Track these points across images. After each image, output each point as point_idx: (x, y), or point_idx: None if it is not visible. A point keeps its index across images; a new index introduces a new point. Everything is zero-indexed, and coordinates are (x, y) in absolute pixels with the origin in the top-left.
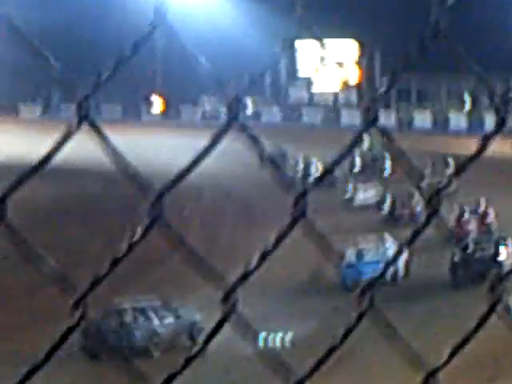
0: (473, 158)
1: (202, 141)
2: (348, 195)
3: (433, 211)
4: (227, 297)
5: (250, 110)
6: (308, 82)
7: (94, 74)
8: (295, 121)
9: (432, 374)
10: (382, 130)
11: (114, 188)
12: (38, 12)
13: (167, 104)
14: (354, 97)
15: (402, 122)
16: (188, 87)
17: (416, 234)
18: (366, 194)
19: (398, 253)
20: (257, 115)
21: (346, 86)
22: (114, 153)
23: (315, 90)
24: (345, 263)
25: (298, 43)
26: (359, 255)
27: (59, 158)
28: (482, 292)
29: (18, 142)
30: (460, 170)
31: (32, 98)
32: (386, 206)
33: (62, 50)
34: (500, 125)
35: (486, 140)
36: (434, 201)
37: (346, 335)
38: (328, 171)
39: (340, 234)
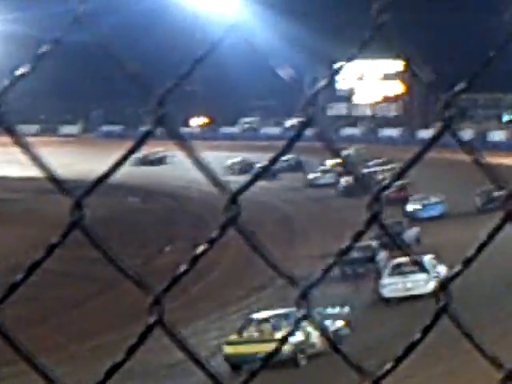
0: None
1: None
2: None
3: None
4: (304, 296)
5: (289, 126)
6: (348, 97)
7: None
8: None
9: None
10: (456, 136)
11: (151, 201)
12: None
13: (209, 122)
14: (394, 111)
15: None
16: (228, 107)
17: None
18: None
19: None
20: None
21: (388, 100)
22: (201, 163)
23: (355, 104)
24: None
25: (339, 64)
26: None
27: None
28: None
29: (62, 158)
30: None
31: (72, 117)
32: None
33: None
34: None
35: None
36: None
37: (425, 332)
38: (401, 174)
39: None
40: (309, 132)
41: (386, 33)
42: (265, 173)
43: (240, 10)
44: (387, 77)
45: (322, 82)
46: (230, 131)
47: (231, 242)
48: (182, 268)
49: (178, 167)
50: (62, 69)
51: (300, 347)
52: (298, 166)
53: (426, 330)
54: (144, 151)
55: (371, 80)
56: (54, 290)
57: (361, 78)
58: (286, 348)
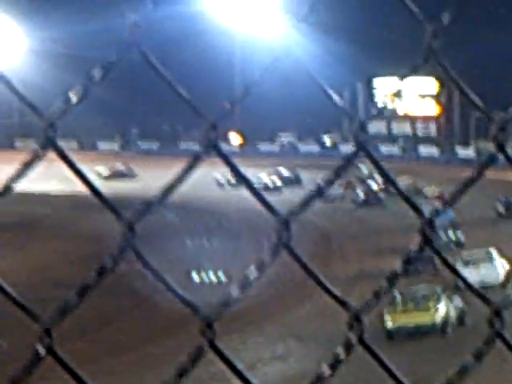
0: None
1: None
2: None
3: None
4: (357, 319)
5: (327, 144)
6: (386, 116)
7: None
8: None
9: None
10: (507, 157)
11: (188, 217)
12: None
13: (245, 140)
14: (432, 131)
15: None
16: (265, 124)
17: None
18: None
19: None
20: (335, 148)
21: (426, 118)
22: (252, 186)
23: (393, 123)
24: None
25: (377, 80)
26: None
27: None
28: None
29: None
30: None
31: (111, 134)
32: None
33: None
34: None
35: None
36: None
37: (478, 358)
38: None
39: None
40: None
41: (438, 57)
42: (319, 196)
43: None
44: (424, 95)
45: (374, 111)
46: (268, 148)
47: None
48: (233, 292)
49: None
50: (101, 85)
51: (447, 318)
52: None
53: (478, 356)
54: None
55: (410, 98)
56: (90, 304)
57: (400, 96)
58: (440, 317)
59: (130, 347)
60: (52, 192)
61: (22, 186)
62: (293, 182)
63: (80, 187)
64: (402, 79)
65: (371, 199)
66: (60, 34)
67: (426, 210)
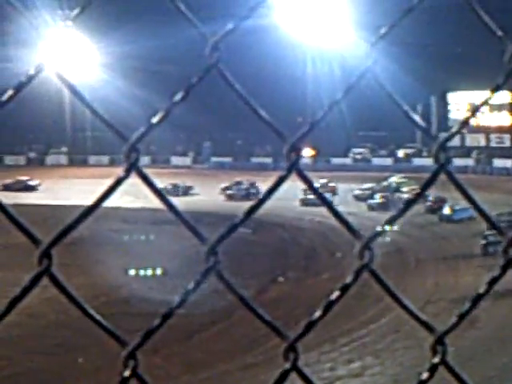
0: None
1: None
2: None
3: None
4: (440, 342)
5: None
6: (460, 127)
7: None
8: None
9: None
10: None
11: (262, 232)
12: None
13: (317, 153)
14: (506, 142)
15: None
16: (337, 137)
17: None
18: None
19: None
20: (408, 161)
21: (498, 131)
22: (334, 208)
23: (467, 134)
24: None
25: (451, 95)
26: None
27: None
28: None
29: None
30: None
31: (183, 149)
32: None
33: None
34: None
35: None
36: None
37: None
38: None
39: None
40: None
41: None
42: (407, 210)
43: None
44: (497, 106)
45: (454, 129)
46: (342, 162)
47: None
48: (317, 314)
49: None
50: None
51: None
52: None
53: None
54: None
55: (483, 110)
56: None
57: (472, 109)
58: None
59: (205, 364)
60: (126, 207)
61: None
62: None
63: (156, 203)
64: (485, 102)
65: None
66: (133, 49)
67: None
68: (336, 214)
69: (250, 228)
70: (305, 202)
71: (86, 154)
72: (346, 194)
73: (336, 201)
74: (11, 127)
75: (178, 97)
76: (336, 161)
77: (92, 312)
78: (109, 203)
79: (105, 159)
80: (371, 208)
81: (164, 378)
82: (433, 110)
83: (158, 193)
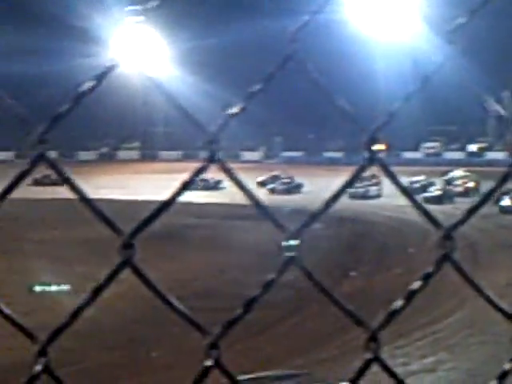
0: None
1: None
2: None
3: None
4: None
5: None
6: None
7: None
8: None
9: None
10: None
11: (335, 226)
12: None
13: (388, 147)
14: None
15: None
16: (407, 132)
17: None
18: None
19: None
20: (480, 155)
21: None
22: (414, 199)
23: None
24: None
25: None
26: None
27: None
28: None
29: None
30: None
31: (254, 144)
32: None
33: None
34: None
35: None
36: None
37: None
38: None
39: None
40: None
41: None
42: (486, 202)
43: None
44: None
45: None
46: (413, 156)
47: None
48: (399, 303)
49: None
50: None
51: None
52: None
53: None
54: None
55: None
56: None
57: None
58: None
59: (278, 359)
60: (198, 202)
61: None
62: None
63: (230, 198)
64: None
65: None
66: (202, 44)
67: None
68: (417, 205)
69: (323, 222)
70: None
71: (158, 149)
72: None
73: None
74: (84, 123)
75: (257, 87)
76: (407, 155)
77: (174, 302)
78: (180, 198)
79: (176, 154)
80: (426, 200)
81: (236, 374)
82: (505, 105)
83: (240, 184)
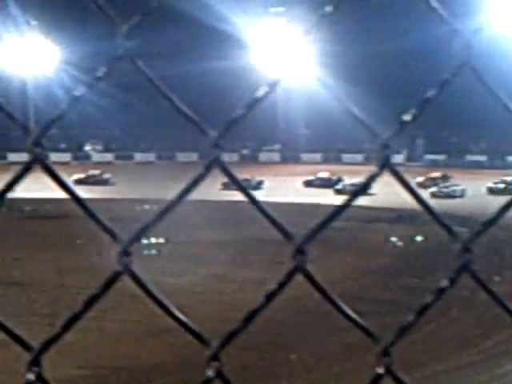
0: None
1: None
2: None
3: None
4: None
5: None
6: None
7: None
8: None
9: None
10: None
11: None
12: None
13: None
14: None
15: None
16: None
17: None
18: None
19: None
20: None
21: None
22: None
23: None
24: None
25: None
26: None
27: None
28: None
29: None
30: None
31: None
32: None
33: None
34: None
35: None
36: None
37: None
38: None
39: None
40: None
41: None
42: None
43: None
44: None
45: None
46: None
47: None
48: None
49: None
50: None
51: None
52: None
53: None
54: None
55: None
56: (378, 318)
57: None
58: None
59: (420, 363)
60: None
61: (307, 200)
62: None
63: (364, 201)
64: None
65: None
66: (357, 49)
67: None
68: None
69: (467, 227)
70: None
71: (299, 152)
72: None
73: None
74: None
75: (431, 93)
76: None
77: (345, 307)
78: (322, 200)
79: (317, 156)
80: None
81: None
82: None
83: (414, 192)
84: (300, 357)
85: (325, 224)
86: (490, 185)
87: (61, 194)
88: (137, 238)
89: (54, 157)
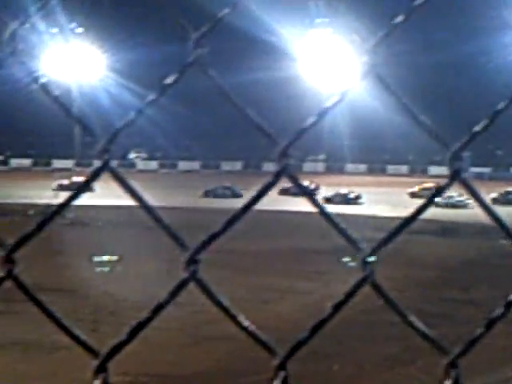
0: None
1: None
2: None
3: None
4: None
5: None
6: None
7: None
8: None
9: None
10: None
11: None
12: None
13: None
14: None
15: None
16: None
17: None
18: None
19: None
20: None
21: None
22: None
23: None
24: None
25: None
26: None
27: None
28: None
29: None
30: None
31: (441, 159)
32: None
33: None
34: None
35: None
36: None
37: None
38: None
39: None
40: None
41: None
42: None
43: None
44: None
45: None
46: None
47: None
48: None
49: None
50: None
51: None
52: None
53: None
54: None
55: None
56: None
57: None
58: None
59: (474, 373)
60: (381, 215)
61: (349, 210)
62: None
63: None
64: None
65: None
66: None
67: None
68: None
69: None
70: None
71: (343, 162)
72: None
73: None
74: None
75: (502, 105)
76: None
77: (412, 317)
78: (364, 211)
79: (362, 167)
80: None
81: None
82: None
83: (484, 204)
84: (342, 367)
85: (394, 235)
86: None
87: (101, 201)
88: (203, 246)
89: (97, 164)
